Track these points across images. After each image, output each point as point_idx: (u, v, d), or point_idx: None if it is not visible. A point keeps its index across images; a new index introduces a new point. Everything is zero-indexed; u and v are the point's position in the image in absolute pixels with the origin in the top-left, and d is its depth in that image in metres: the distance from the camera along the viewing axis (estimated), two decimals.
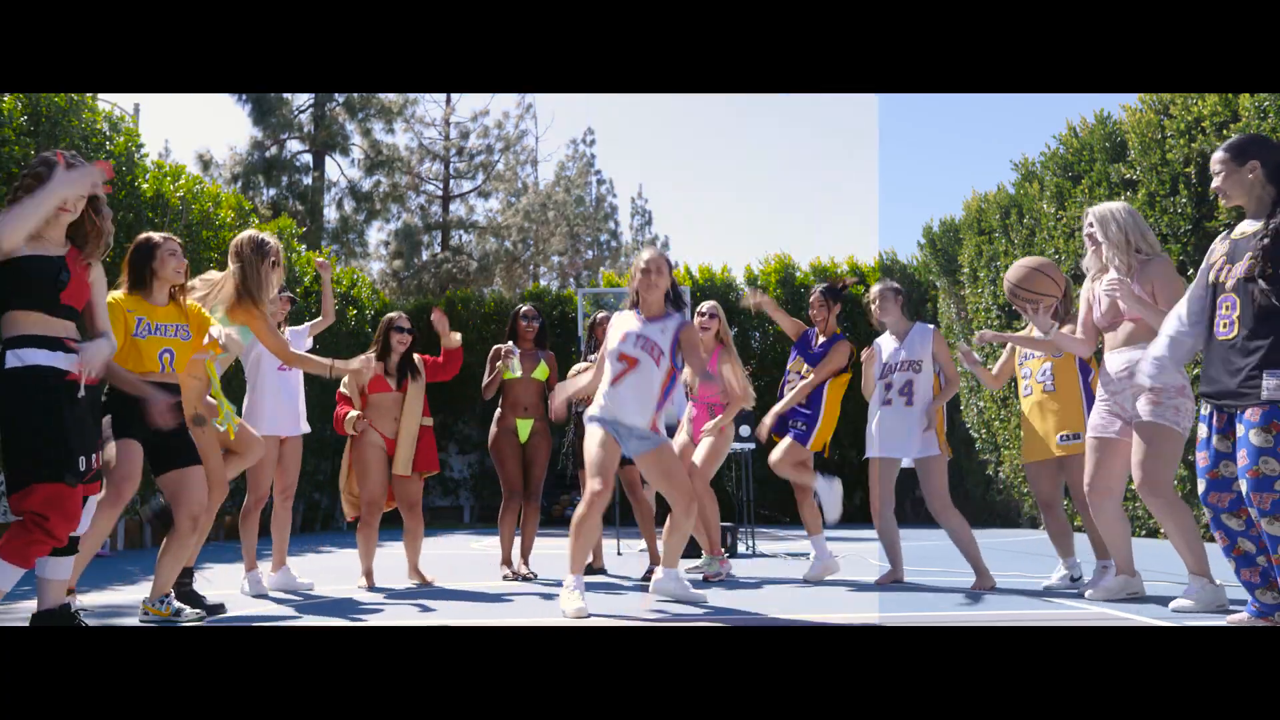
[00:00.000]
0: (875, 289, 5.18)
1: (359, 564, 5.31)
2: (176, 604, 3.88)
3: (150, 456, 3.76)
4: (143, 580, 5.40)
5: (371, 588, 5.12)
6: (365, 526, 5.26)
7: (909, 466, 5.05)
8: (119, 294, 3.76)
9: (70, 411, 3.13)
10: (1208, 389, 3.37)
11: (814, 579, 5.25)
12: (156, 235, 3.88)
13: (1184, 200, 7.31)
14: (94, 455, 3.25)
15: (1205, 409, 3.44)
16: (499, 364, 5.72)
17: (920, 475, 4.97)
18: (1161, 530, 7.94)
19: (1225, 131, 6.94)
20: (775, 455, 5.37)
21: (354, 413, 5.23)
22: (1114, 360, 4.08)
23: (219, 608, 4.14)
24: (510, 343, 5.85)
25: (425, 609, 4.28)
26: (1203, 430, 3.43)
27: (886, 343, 5.17)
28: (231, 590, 5.02)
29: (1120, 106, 8.38)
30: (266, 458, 4.87)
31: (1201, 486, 3.41)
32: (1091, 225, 4.10)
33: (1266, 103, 6.66)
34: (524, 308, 5.93)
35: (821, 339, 5.46)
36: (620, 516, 8.10)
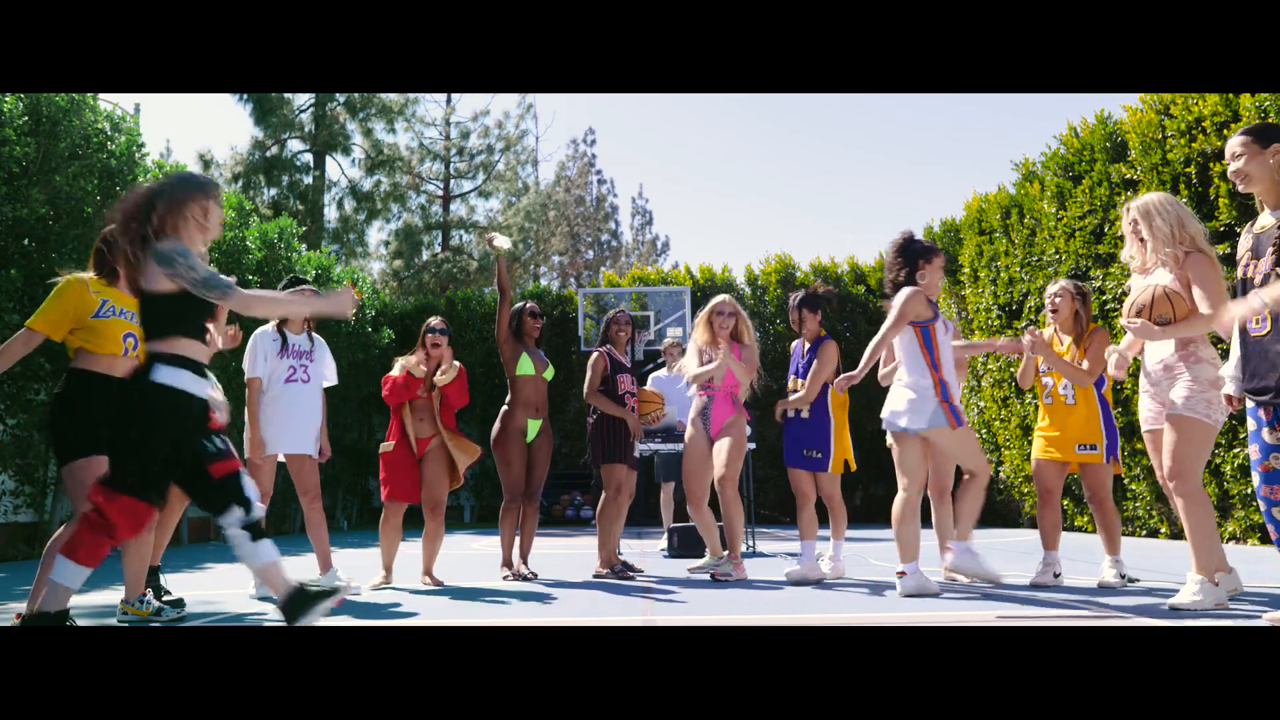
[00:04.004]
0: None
1: (360, 562, 5.31)
2: (155, 603, 3.90)
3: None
4: None
5: (389, 583, 5.18)
6: (390, 522, 5.34)
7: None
8: (89, 275, 3.77)
9: None
10: (1252, 385, 3.32)
11: (796, 579, 5.23)
12: None
13: (1185, 200, 7.31)
14: None
15: (1250, 402, 3.41)
16: (494, 248, 5.61)
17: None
18: (1162, 530, 8.00)
19: (1225, 131, 6.93)
20: (825, 488, 5.50)
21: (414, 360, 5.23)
22: (1154, 354, 4.02)
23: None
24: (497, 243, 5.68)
25: (424, 609, 4.28)
26: (1251, 424, 3.39)
27: None
28: (233, 591, 5.02)
29: (1121, 106, 8.37)
30: (265, 473, 4.82)
31: (1255, 480, 3.38)
32: (1135, 221, 4.08)
33: (1267, 103, 6.66)
34: (531, 304, 5.78)
35: (807, 346, 5.52)
36: (630, 515, 8.08)
